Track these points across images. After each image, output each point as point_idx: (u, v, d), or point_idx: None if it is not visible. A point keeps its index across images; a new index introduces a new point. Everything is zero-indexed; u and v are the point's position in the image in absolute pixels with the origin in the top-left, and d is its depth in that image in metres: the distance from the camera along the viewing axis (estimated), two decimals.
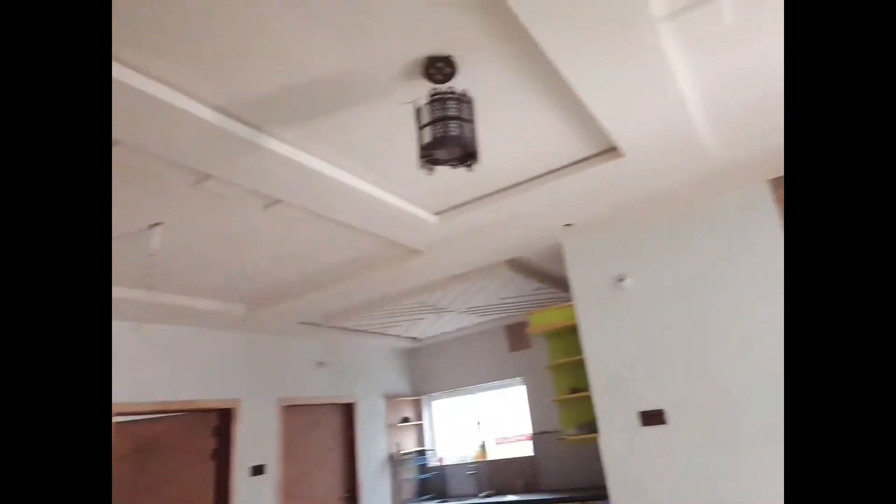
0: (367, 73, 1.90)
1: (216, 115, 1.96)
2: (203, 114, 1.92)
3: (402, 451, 6.54)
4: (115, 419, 4.70)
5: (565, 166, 2.78)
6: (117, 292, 3.60)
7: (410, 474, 6.62)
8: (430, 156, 1.79)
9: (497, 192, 2.99)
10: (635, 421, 3.19)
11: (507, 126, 2.35)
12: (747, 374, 2.93)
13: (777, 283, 2.93)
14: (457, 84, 1.99)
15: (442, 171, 2.66)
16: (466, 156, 1.81)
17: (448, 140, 1.73)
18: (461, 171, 2.70)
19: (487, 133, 2.38)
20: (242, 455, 4.86)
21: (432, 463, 6.80)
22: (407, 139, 2.35)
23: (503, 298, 5.05)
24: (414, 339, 6.76)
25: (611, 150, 2.66)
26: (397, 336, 6.36)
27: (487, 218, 3.18)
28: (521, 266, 4.25)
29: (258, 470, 4.94)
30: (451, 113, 1.76)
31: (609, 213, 3.34)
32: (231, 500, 4.65)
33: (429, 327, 6.11)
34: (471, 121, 1.82)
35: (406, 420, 6.79)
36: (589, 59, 1.84)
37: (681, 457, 3.02)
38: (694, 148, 2.62)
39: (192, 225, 2.88)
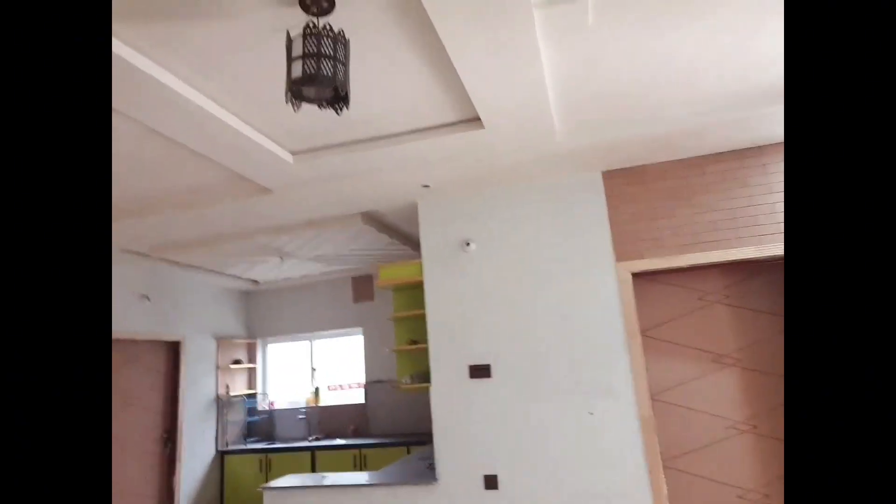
0: None
1: None
2: None
3: (231, 394, 6.32)
4: None
5: (429, 128, 2.84)
6: None
7: (238, 417, 6.45)
8: (298, 91, 1.70)
9: (358, 141, 2.95)
10: (465, 373, 3.48)
11: (379, 75, 2.31)
12: (556, 339, 3.36)
13: (590, 265, 3.37)
14: (334, 21, 1.90)
15: (307, 109, 2.54)
16: (337, 98, 1.76)
17: (319, 79, 1.66)
18: (326, 113, 2.61)
19: (358, 79, 2.32)
20: None
21: (262, 406, 6.69)
22: (273, 70, 2.20)
23: (353, 250, 5.04)
24: (254, 281, 6.47)
25: (474, 120, 2.77)
26: (235, 277, 6.03)
27: (345, 167, 3.13)
28: (375, 220, 4.27)
29: None
30: (326, 51, 1.69)
31: (462, 179, 3.50)
32: None
33: (270, 271, 5.89)
34: (345, 63, 1.76)
35: (238, 362, 6.55)
36: (466, 26, 1.88)
37: (498, 406, 3.38)
38: (545, 130, 2.84)
39: None
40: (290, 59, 1.70)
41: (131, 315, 5.22)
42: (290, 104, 1.75)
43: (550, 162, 3.31)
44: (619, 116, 2.85)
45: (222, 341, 6.37)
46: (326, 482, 3.61)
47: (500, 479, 3.30)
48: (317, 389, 6.56)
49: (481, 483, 3.33)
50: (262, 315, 6.96)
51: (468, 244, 3.60)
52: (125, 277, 5.20)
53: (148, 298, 5.40)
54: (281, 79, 2.27)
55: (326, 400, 6.53)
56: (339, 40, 1.76)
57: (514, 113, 2.60)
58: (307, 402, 6.51)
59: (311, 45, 1.68)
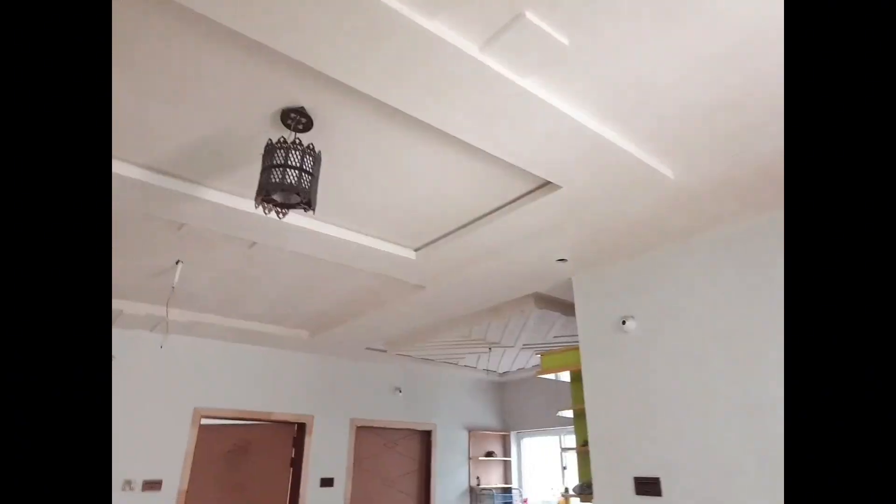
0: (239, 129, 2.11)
1: (146, 172, 2.36)
2: (132, 173, 2.33)
3: (483, 486, 6.43)
4: (213, 422, 5.56)
5: (511, 202, 2.64)
6: (189, 316, 4.34)
7: None
8: (266, 195, 1.91)
9: (461, 226, 2.94)
10: (629, 488, 2.77)
11: (442, 171, 2.37)
12: (748, 445, 2.36)
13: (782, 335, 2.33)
14: (344, 140, 2.09)
15: (408, 209, 2.73)
16: (304, 203, 1.91)
17: (284, 186, 1.85)
18: (425, 208, 2.72)
19: (433, 174, 2.41)
20: (314, 467, 5.32)
21: (517, 502, 6.54)
22: (366, 183, 2.50)
23: (556, 337, 4.74)
24: (498, 372, 6.65)
25: (546, 185, 2.45)
26: (472, 368, 6.33)
27: (464, 252, 3.12)
28: (547, 301, 3.99)
29: (327, 482, 5.35)
30: (293, 162, 1.88)
31: (602, 248, 3.01)
32: None
33: (502, 361, 5.98)
34: (311, 173, 1.91)
35: (490, 454, 6.67)
36: (456, 114, 1.84)
37: None
38: (630, 167, 2.27)
39: (208, 262, 3.39)
40: (262, 169, 1.93)
41: (387, 405, 6.03)
42: (260, 207, 1.96)
43: (682, 206, 2.58)
44: (730, 128, 2.07)
45: (474, 432, 6.64)
46: None
47: None
48: (567, 490, 6.06)
49: None
50: (514, 408, 7.00)
51: (625, 322, 3.00)
52: (381, 372, 6.12)
53: (399, 391, 6.17)
54: (379, 191, 2.55)
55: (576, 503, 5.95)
56: (308, 152, 1.93)
57: (572, 161, 2.20)
58: (559, 503, 6.06)
59: (277, 157, 1.89)
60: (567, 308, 4.12)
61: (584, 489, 3.32)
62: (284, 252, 3.25)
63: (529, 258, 3.19)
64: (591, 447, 2.99)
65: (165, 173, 2.40)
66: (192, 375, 4.87)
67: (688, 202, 2.54)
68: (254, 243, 3.08)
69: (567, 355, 3.43)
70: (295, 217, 2.77)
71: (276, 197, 1.94)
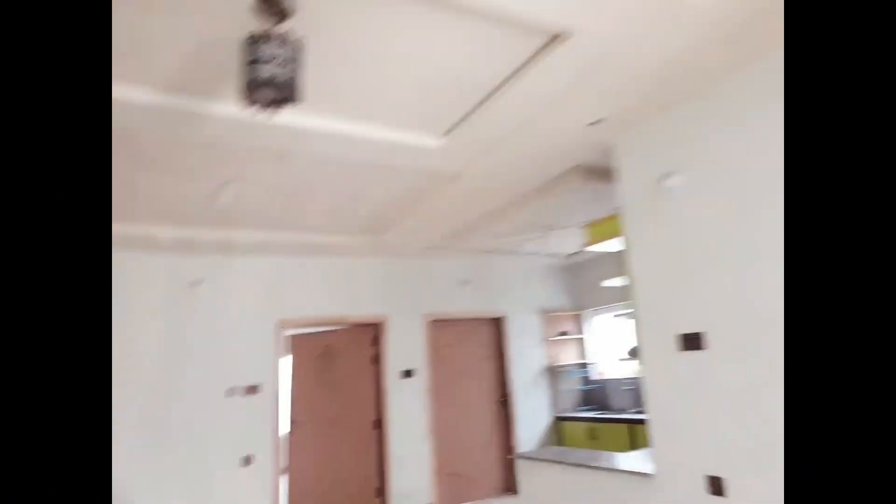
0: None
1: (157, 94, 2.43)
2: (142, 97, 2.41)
3: (559, 364, 6.66)
4: (299, 331, 6.08)
5: (521, 67, 2.45)
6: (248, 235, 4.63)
7: (570, 386, 6.73)
8: (251, 94, 1.87)
9: (479, 103, 2.80)
10: (673, 345, 2.75)
11: (441, 45, 2.23)
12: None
13: None
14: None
15: (422, 96, 2.64)
16: (282, 100, 1.87)
17: (258, 83, 1.82)
18: (438, 91, 2.60)
19: (433, 50, 2.28)
20: (394, 362, 5.75)
21: (593, 376, 6.75)
22: (354, 73, 2.44)
23: (615, 209, 4.57)
24: (565, 255, 6.60)
25: (555, 38, 2.24)
26: (536, 254, 6.33)
27: (487, 133, 3.01)
28: (594, 172, 3.81)
29: (408, 374, 5.79)
30: (264, 56, 1.83)
31: (635, 102, 2.77)
32: (387, 397, 5.63)
33: (565, 243, 5.91)
34: (289, 62, 1.85)
35: (564, 334, 6.83)
36: None
37: (717, 387, 2.52)
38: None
39: (252, 180, 3.53)
40: (242, 66, 1.88)
41: (456, 298, 6.26)
42: (253, 108, 1.93)
43: (724, 37, 2.27)
44: None
45: (547, 315, 6.78)
46: (565, 458, 3.48)
47: (725, 483, 2.45)
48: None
49: (703, 485, 2.55)
50: (584, 287, 7.02)
51: (668, 178, 2.81)
52: (449, 267, 6.29)
53: (468, 282, 6.35)
54: (383, 77, 2.46)
55: None
56: (286, 41, 1.87)
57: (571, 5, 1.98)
58: (633, 374, 6.18)
59: (249, 52, 1.84)
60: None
61: (635, 352, 3.34)
62: (320, 162, 3.30)
63: (560, 126, 3.01)
64: (636, 308, 2.96)
65: (177, 91, 2.45)
66: (273, 290, 5.28)
67: (724, 31, 2.23)
68: (283, 155, 3.15)
69: (613, 222, 3.32)
70: (310, 119, 2.76)
71: (263, 95, 1.92)
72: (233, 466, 4.75)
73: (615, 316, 6.69)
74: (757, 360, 2.36)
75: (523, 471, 3.85)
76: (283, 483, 5.26)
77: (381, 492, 5.49)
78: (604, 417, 5.76)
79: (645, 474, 2.85)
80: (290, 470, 5.66)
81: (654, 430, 2.83)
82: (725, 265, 2.53)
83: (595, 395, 6.65)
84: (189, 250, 4.83)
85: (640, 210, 3.00)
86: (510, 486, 6.15)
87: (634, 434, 5.30)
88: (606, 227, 3.39)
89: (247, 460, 4.79)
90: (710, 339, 2.57)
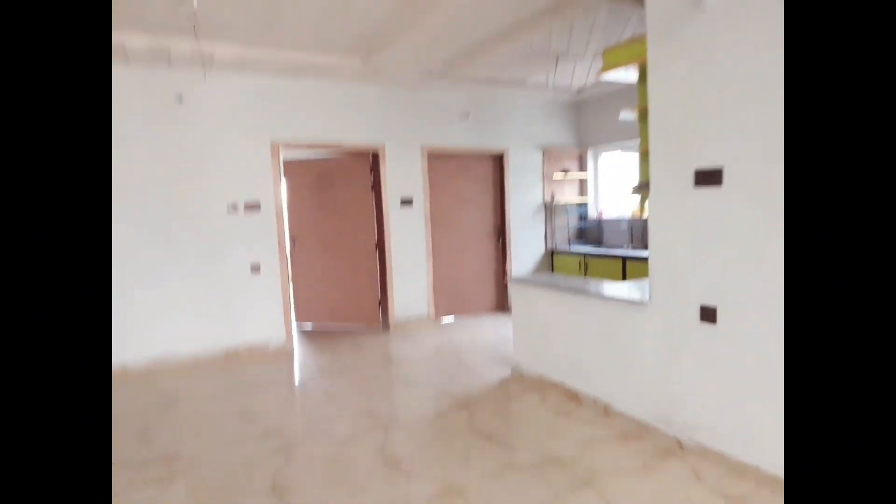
0: None
1: None
2: None
3: (557, 201, 6.66)
4: (293, 155, 5.91)
5: None
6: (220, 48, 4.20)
7: (567, 222, 6.82)
8: None
9: None
10: (689, 181, 2.65)
11: None
12: None
13: None
14: None
15: None
16: None
17: None
18: None
19: None
20: (392, 190, 5.70)
21: (591, 214, 6.81)
22: None
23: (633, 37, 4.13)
24: (573, 90, 6.18)
25: None
26: (543, 87, 5.90)
27: None
28: None
29: (407, 202, 5.79)
30: None
31: None
32: (387, 222, 5.69)
33: (574, 76, 5.47)
34: None
35: (566, 171, 6.72)
36: None
37: (727, 224, 2.48)
38: None
39: None
40: None
41: (456, 131, 6.00)
42: None
43: None
44: None
45: (549, 151, 6.59)
46: (558, 283, 3.61)
47: (719, 311, 2.55)
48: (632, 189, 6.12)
49: (696, 313, 2.66)
50: (591, 124, 6.72)
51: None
52: (447, 99, 5.91)
53: (468, 115, 6.03)
54: None
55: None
56: None
57: None
58: (632, 214, 6.23)
59: None
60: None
61: (643, 187, 3.26)
62: None
63: None
64: (652, 140, 2.80)
65: None
66: (263, 111, 4.99)
67: None
68: None
69: (633, 47, 2.98)
70: None
71: None
72: (244, 274, 4.96)
73: (621, 152, 6.52)
74: (770, 201, 2.28)
75: (516, 294, 4.03)
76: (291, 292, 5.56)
77: (383, 304, 5.86)
78: (597, 253, 5.93)
79: (638, 302, 2.97)
80: (293, 282, 5.95)
81: (654, 260, 2.87)
82: (754, 100, 2.31)
83: (591, 232, 6.78)
84: (165, 63, 4.42)
85: (668, 32, 2.66)
86: (502, 306, 6.58)
87: (627, 270, 5.50)
88: (626, 51, 3.05)
89: (255, 268, 5.00)
90: (727, 176, 2.47)
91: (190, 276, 4.74)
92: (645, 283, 3.50)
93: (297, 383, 4.28)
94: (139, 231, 4.54)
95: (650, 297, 2.90)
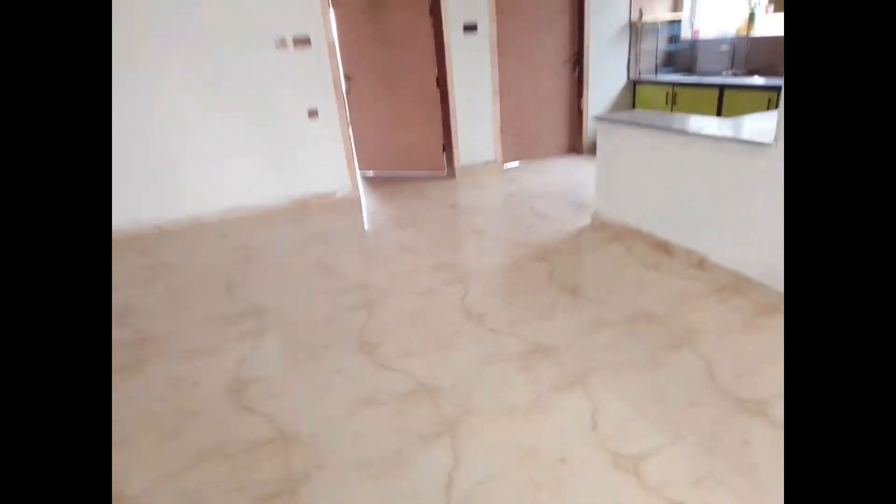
0: None
1: None
2: None
3: (646, 20, 5.69)
4: None
5: None
6: None
7: (654, 46, 5.90)
8: None
9: None
10: None
11: None
12: None
13: None
14: None
15: None
16: None
17: None
18: None
19: None
20: (453, 14, 4.98)
21: (684, 35, 5.83)
22: None
23: None
24: None
25: None
26: None
27: None
28: None
29: (470, 27, 5.09)
30: None
31: None
32: (448, 53, 5.09)
33: None
34: None
35: None
36: None
37: None
38: None
39: None
40: None
41: None
42: None
43: None
44: None
45: None
46: (653, 121, 3.12)
47: None
48: (752, 14, 5.10)
49: None
50: None
51: None
52: None
53: None
54: None
55: (762, 29, 5.07)
56: None
57: None
58: (737, 31, 5.25)
59: None
60: None
61: None
62: None
63: None
64: None
65: None
66: None
67: None
68: None
69: None
70: None
71: None
72: (301, 120, 4.69)
73: None
74: None
75: (602, 134, 3.58)
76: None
77: (447, 148, 5.53)
78: (689, 82, 5.15)
79: (761, 143, 2.50)
80: (351, 126, 5.65)
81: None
82: None
83: (682, 56, 5.85)
84: None
85: None
86: (575, 147, 6.09)
87: (724, 103, 4.77)
88: None
89: (313, 113, 4.70)
90: None
91: (248, 125, 4.52)
92: (744, 120, 2.97)
93: (367, 234, 4.23)
94: (194, 80, 4.23)
95: (775, 139, 2.43)
